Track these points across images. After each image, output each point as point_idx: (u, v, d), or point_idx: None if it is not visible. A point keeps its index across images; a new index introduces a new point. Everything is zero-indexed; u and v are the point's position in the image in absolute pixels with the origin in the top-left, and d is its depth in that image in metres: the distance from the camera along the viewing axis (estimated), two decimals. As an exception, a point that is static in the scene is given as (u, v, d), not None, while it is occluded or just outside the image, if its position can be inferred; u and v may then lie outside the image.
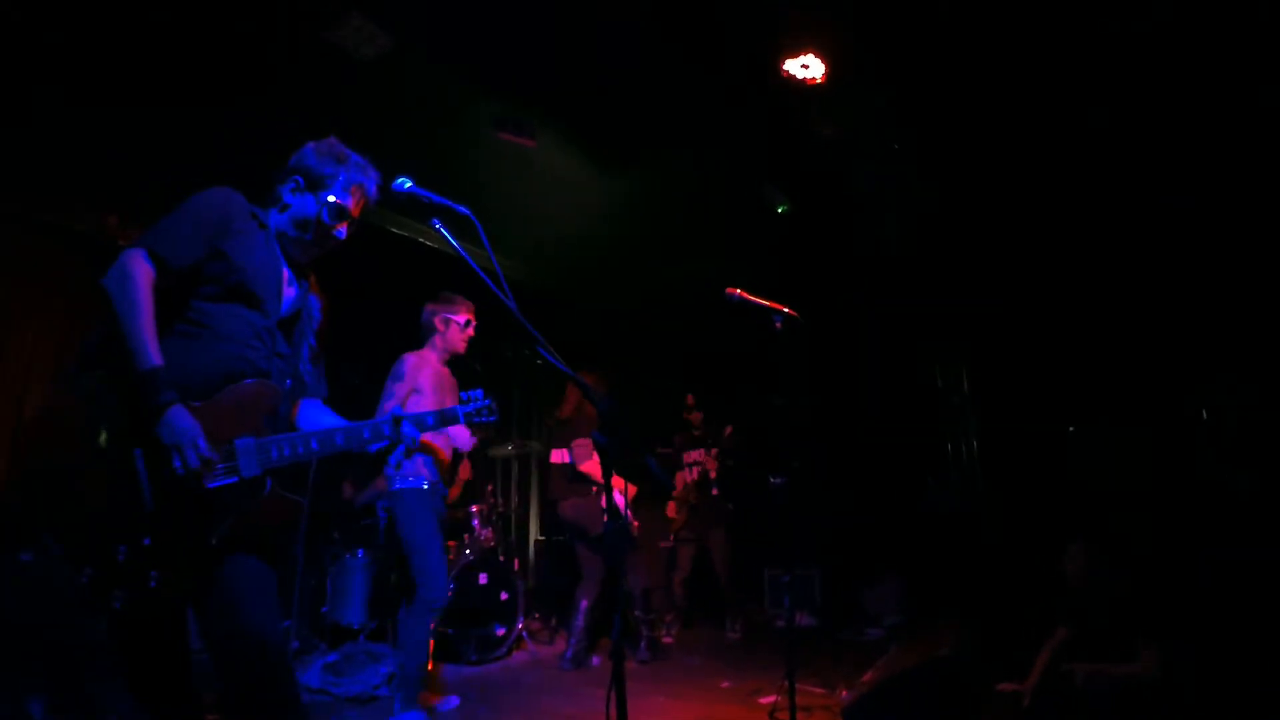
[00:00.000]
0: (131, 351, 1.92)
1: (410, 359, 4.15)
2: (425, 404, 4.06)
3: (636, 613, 5.47)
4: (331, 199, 2.25)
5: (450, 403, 4.06)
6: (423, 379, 4.12)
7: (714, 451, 6.92)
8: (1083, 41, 4.58)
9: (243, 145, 3.76)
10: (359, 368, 4.89)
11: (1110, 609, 3.74)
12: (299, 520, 4.86)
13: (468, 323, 4.32)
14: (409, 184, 2.30)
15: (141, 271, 1.99)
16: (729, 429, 6.97)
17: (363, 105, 5.04)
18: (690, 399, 7.15)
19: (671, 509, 7.15)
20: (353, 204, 2.30)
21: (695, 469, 7.00)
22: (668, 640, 6.33)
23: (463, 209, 2.26)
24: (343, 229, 2.31)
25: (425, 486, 4.09)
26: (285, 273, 2.29)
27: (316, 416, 2.39)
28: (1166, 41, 4.54)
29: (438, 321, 4.30)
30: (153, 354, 1.93)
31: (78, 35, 4.30)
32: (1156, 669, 3.48)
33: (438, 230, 2.30)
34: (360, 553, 5.34)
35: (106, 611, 1.89)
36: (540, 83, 5.09)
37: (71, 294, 5.04)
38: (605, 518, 5.09)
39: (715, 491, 6.88)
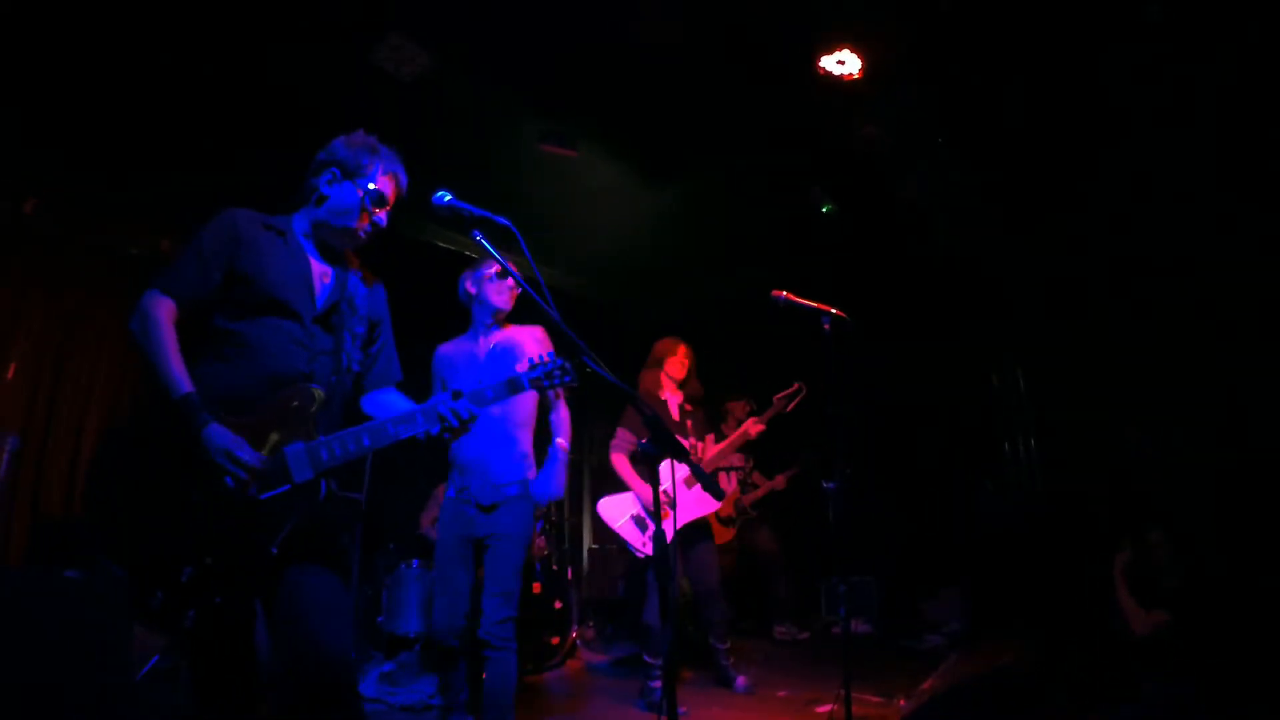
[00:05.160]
0: (164, 384, 2.01)
1: None
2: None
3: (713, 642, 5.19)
4: (372, 185, 2.30)
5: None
6: None
7: (751, 461, 6.76)
8: (1125, 21, 4.45)
9: (286, 168, 3.83)
10: (408, 382, 4.92)
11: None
12: (358, 519, 4.93)
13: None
14: (449, 197, 2.31)
15: (160, 309, 2.10)
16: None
17: (404, 123, 5.09)
18: (742, 406, 6.68)
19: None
20: (389, 191, 2.35)
21: (734, 474, 6.68)
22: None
23: (503, 220, 2.26)
24: (382, 215, 2.35)
25: None
26: (316, 267, 2.32)
27: (389, 403, 2.42)
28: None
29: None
30: (182, 383, 2.01)
31: (133, 67, 4.43)
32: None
33: (479, 242, 2.30)
34: (415, 563, 5.39)
35: (178, 630, 1.94)
36: (581, 93, 5.11)
37: (126, 318, 5.19)
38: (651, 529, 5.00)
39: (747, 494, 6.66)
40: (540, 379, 2.33)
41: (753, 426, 4.75)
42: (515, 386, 2.33)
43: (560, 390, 2.42)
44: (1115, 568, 4.21)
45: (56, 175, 5.00)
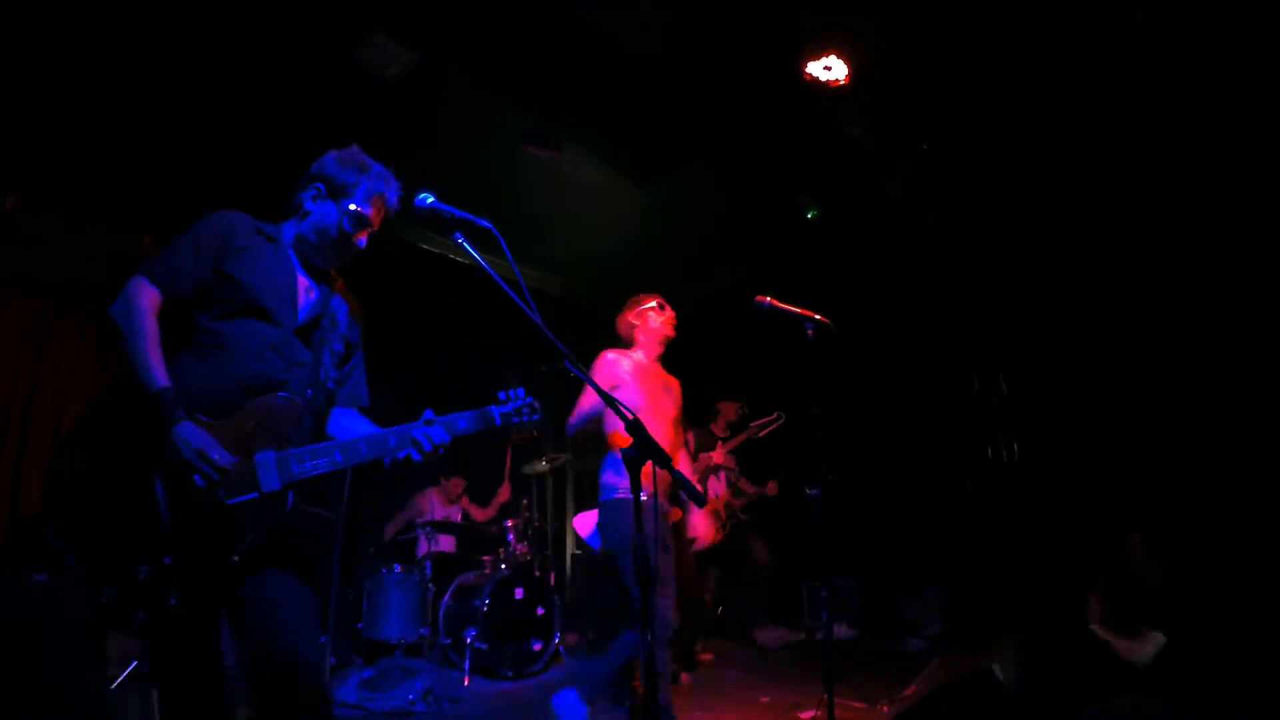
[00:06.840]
0: (139, 375, 1.97)
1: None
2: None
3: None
4: (353, 207, 2.27)
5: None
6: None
7: (739, 466, 6.68)
8: (1106, 33, 4.49)
9: (269, 167, 3.81)
10: (392, 383, 4.89)
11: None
12: (331, 535, 4.90)
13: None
14: (431, 199, 2.30)
15: (145, 297, 2.06)
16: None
17: (390, 124, 5.07)
18: (733, 408, 6.54)
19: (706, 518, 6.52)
20: (373, 213, 2.32)
21: (724, 474, 6.55)
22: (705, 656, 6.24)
23: (484, 222, 2.25)
24: (363, 238, 2.33)
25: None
26: (301, 280, 2.30)
27: (351, 426, 2.38)
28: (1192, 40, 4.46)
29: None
30: (159, 375, 1.97)
31: (114, 62, 4.39)
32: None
33: (460, 244, 2.29)
34: (396, 567, 5.34)
35: (129, 631, 1.90)
36: (567, 95, 5.10)
37: (106, 315, 5.13)
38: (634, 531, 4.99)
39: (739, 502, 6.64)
40: (510, 414, 2.38)
41: (719, 455, 4.78)
42: (487, 420, 2.36)
43: (531, 429, 2.47)
44: (1089, 610, 4.10)
45: (38, 171, 4.94)
